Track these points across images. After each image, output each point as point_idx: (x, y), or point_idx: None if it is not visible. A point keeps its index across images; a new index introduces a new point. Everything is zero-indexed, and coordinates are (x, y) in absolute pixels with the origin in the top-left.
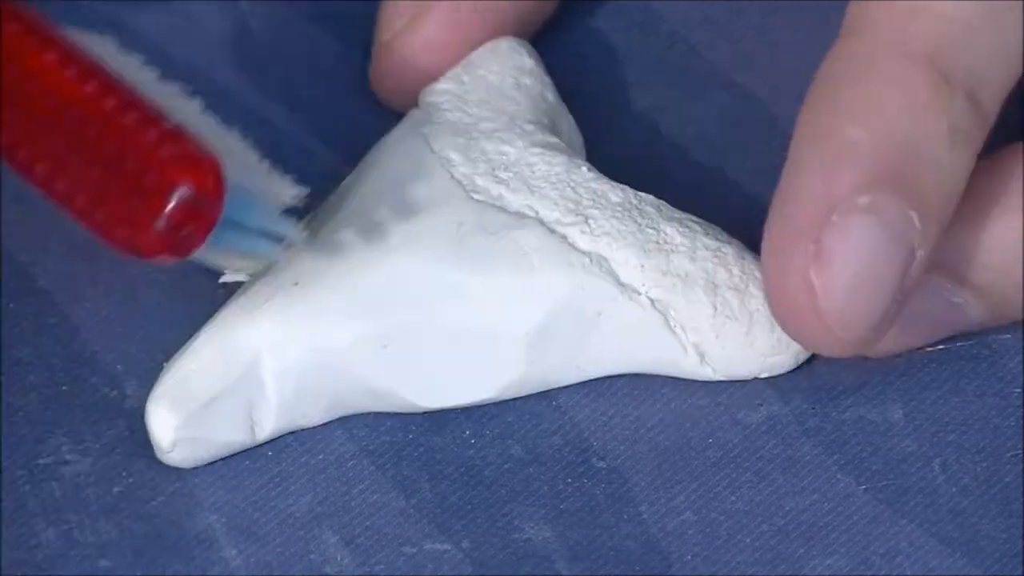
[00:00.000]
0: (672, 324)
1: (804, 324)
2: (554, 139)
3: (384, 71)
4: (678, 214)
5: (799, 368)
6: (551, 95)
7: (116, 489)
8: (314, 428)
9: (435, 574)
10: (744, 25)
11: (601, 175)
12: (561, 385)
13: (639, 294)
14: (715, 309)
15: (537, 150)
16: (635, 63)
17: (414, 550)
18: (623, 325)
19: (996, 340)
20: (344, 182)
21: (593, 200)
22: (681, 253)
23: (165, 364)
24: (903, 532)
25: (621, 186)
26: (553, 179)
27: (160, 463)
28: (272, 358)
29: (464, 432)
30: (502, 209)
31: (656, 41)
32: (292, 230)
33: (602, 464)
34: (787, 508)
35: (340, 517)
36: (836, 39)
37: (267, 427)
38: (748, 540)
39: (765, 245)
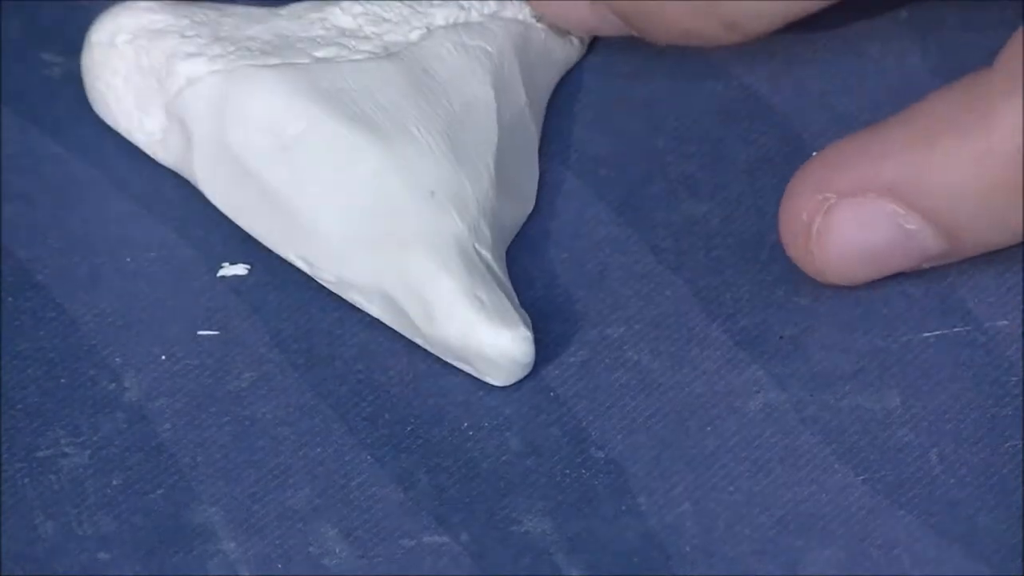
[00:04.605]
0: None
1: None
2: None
3: None
4: None
5: (796, 355)
6: None
7: (115, 482)
8: (312, 420)
9: (434, 566)
10: None
11: None
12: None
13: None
14: None
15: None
16: (634, 54)
17: (413, 543)
18: (540, 46)
19: (993, 327)
20: None
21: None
22: None
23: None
24: (901, 523)
25: None
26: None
27: (159, 457)
28: (479, 244)
29: (462, 424)
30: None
31: None
32: None
33: (600, 455)
34: (785, 499)
35: (339, 510)
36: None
37: None
38: (747, 531)
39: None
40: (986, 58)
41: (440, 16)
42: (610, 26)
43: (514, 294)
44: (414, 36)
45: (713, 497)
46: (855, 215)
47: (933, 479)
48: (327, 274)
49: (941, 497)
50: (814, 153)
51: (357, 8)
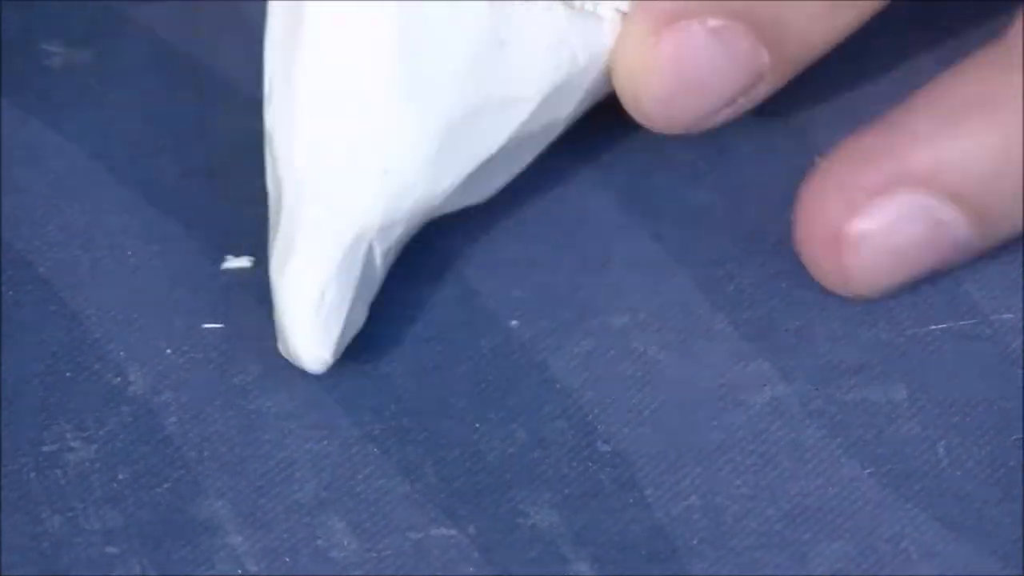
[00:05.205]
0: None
1: (631, 107)
2: None
3: None
4: None
5: (802, 347)
6: None
7: (121, 476)
8: (318, 413)
9: (441, 559)
10: None
11: None
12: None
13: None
14: None
15: None
16: None
17: (420, 535)
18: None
19: (998, 320)
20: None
21: None
22: None
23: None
24: (908, 516)
25: None
26: None
27: (165, 450)
28: (380, 243)
29: (468, 416)
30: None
31: None
32: None
33: (607, 448)
34: (792, 492)
35: (346, 502)
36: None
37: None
38: (754, 524)
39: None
40: None
41: None
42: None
43: (362, 313)
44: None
45: (720, 490)
46: (890, 214)
47: (940, 472)
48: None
49: (948, 490)
50: (820, 143)
51: None
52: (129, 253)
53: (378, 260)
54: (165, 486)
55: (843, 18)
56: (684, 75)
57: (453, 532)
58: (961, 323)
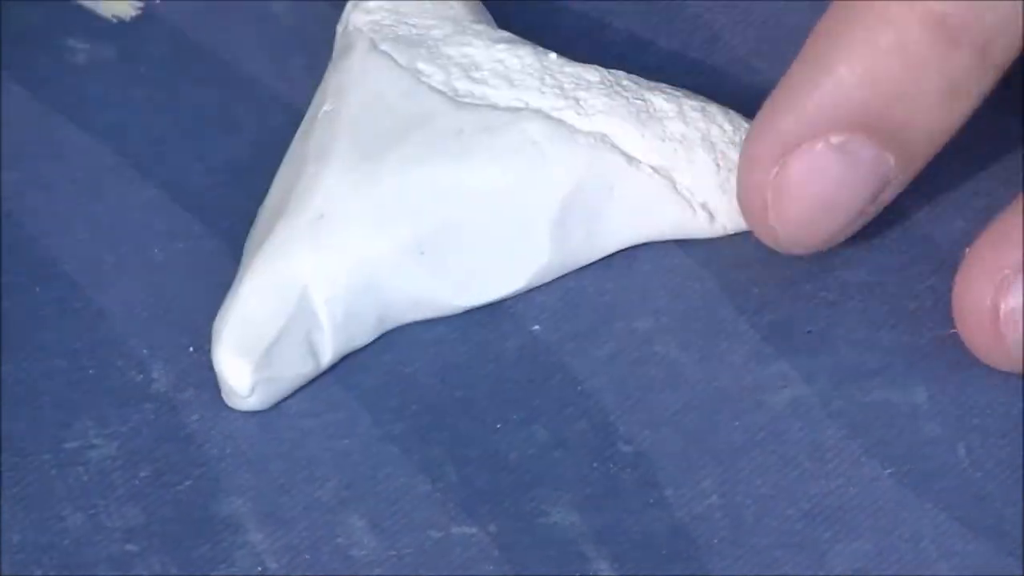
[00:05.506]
0: (679, 187)
1: (763, 235)
2: (507, 32)
3: None
4: (654, 84)
5: (823, 349)
6: None
7: (143, 473)
8: (339, 412)
9: (462, 558)
10: (763, 11)
11: (569, 59)
12: (583, 264)
13: (643, 163)
14: (717, 166)
15: (502, 46)
16: (657, 45)
17: (441, 534)
18: (635, 196)
19: None
20: (309, 116)
21: (575, 83)
22: (672, 118)
23: (216, 323)
24: (928, 516)
25: (592, 65)
26: (529, 70)
27: (187, 448)
28: (318, 287)
29: (490, 416)
30: (494, 107)
31: (681, 26)
32: None
33: (628, 448)
34: (813, 492)
35: (366, 501)
36: None
37: (328, 353)
38: (774, 524)
39: (742, 147)
40: None
41: (544, 100)
42: None
43: (306, 360)
44: (504, 100)
45: (741, 490)
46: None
47: (960, 472)
48: None
49: (968, 490)
50: None
51: (507, 54)
52: (154, 251)
53: (318, 307)
54: (186, 483)
55: (959, 107)
56: (816, 199)
57: (474, 531)
58: None
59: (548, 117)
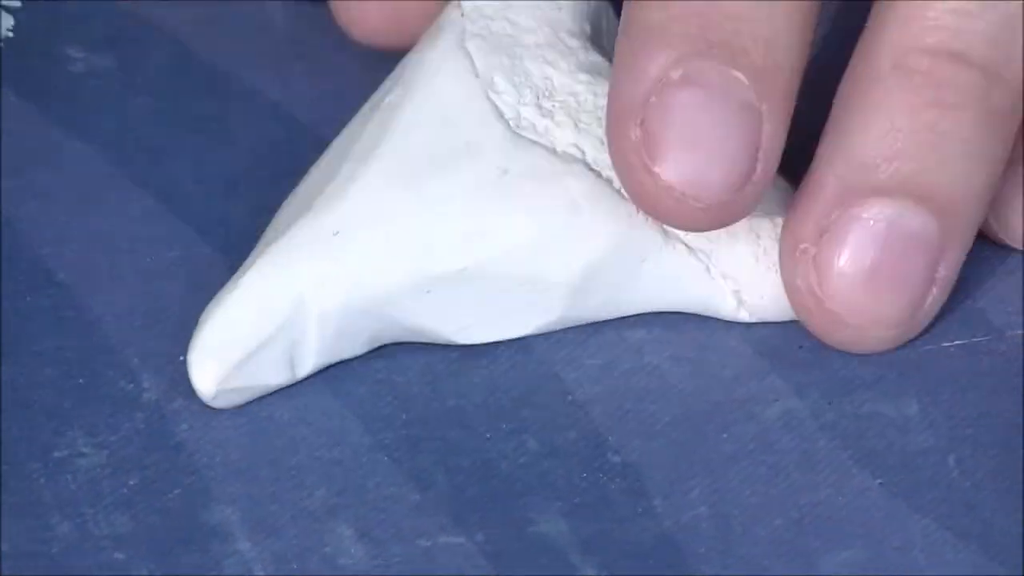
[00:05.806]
0: (713, 272)
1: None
2: (597, 57)
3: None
4: None
5: (815, 364)
6: None
7: (132, 482)
8: (330, 421)
9: (449, 566)
10: None
11: None
12: (595, 321)
13: (682, 243)
14: (756, 260)
15: (584, 76)
16: None
17: (429, 543)
18: (665, 272)
19: (1014, 336)
20: (376, 98)
21: None
22: None
23: (201, 315)
24: (918, 526)
25: None
26: (599, 112)
27: (176, 457)
28: (314, 302)
29: (480, 426)
30: (549, 150)
31: None
32: None
33: (617, 459)
34: (802, 502)
35: (355, 510)
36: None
37: (308, 365)
38: (763, 533)
39: (781, 235)
40: None
41: (600, 154)
42: None
43: (281, 370)
44: (561, 144)
45: (729, 500)
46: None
47: (950, 483)
48: None
49: (958, 500)
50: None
51: (585, 88)
52: (147, 259)
53: (309, 320)
54: (175, 492)
55: (982, 168)
56: (860, 269)
57: (462, 540)
58: (975, 340)
59: (598, 177)
